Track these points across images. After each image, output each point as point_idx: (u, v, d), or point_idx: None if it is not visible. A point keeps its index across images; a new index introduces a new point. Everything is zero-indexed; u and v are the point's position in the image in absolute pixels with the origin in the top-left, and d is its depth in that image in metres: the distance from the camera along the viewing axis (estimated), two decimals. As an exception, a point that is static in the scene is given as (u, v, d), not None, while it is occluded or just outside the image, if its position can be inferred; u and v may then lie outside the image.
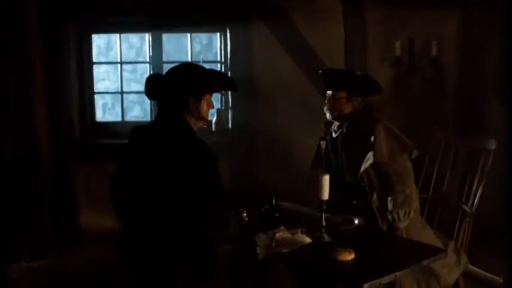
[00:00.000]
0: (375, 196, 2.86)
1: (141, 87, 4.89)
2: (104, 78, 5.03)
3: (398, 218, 2.77)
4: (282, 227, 2.59)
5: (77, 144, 4.60)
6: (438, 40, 4.29)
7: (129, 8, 4.45)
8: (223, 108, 4.67)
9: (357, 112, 2.99)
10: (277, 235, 2.50)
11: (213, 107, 2.50)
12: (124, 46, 4.84)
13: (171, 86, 2.37)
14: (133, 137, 2.43)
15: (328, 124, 3.13)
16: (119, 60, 4.78)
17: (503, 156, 3.48)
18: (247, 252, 2.46)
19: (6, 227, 4.07)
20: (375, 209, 2.85)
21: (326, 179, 2.48)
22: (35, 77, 4.35)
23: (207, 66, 4.56)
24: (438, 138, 3.51)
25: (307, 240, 2.49)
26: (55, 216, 4.46)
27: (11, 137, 4.30)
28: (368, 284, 2.10)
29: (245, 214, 2.68)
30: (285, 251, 2.40)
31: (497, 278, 3.29)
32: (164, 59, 4.74)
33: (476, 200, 3.09)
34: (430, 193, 3.42)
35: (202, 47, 4.90)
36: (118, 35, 4.74)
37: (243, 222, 2.66)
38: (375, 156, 2.79)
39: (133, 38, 4.98)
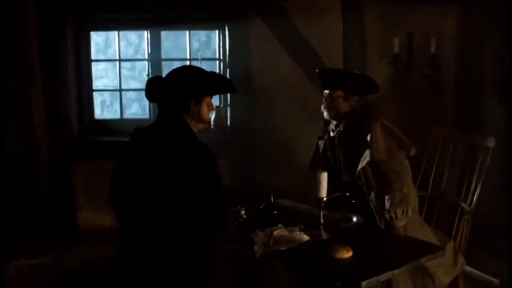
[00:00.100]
0: (372, 195, 2.86)
1: (140, 85, 4.96)
2: (102, 76, 5.01)
3: (396, 216, 2.76)
4: (280, 225, 2.59)
5: (75, 141, 4.59)
6: (437, 36, 4.28)
7: (127, 5, 4.45)
8: (222, 106, 4.66)
9: (355, 111, 2.98)
10: (275, 233, 2.50)
11: (213, 109, 2.50)
12: (122, 43, 4.82)
13: (172, 89, 2.37)
14: (134, 139, 2.43)
15: (326, 123, 3.12)
16: (117, 58, 4.77)
17: (502, 154, 3.48)
18: (246, 251, 2.45)
19: (5, 225, 4.07)
20: (373, 208, 2.84)
21: (324, 176, 2.47)
22: (33, 75, 4.34)
23: (205, 63, 4.69)
24: (437, 135, 3.51)
25: (305, 238, 2.49)
26: (54, 214, 4.47)
27: (11, 136, 4.29)
28: (366, 281, 2.09)
29: (243, 212, 2.68)
30: (283, 248, 2.40)
31: (494, 280, 3.28)
32: (163, 56, 4.73)
33: (474, 198, 3.09)
34: (428, 191, 3.42)
35: (201, 44, 4.88)
36: (116, 33, 4.72)
37: (241, 220, 2.66)
38: (371, 154, 2.78)
39: (132, 35, 4.96)
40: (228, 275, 2.43)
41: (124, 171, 2.39)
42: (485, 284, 3.29)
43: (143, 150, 2.36)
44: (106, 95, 5.14)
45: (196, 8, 4.44)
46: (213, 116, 4.54)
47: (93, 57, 4.75)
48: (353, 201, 2.88)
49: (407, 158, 2.89)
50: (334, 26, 4.40)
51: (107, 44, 4.94)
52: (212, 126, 4.49)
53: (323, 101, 3.02)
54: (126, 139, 2.47)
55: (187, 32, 4.71)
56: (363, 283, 2.08)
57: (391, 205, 2.77)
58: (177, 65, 4.70)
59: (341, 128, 3.00)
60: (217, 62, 4.72)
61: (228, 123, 4.65)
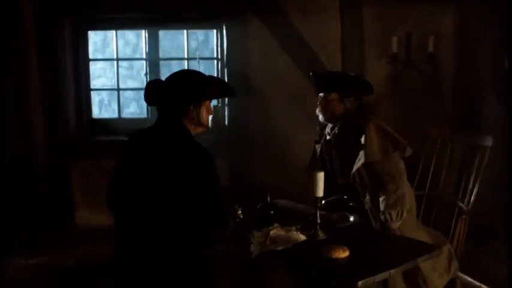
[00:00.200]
0: (367, 197, 2.84)
1: (138, 84, 4.95)
2: (100, 75, 5.01)
3: (391, 218, 2.75)
4: (277, 225, 2.59)
5: (73, 141, 4.59)
6: (435, 36, 4.27)
7: (125, 5, 4.45)
8: (219, 105, 4.65)
9: (350, 112, 2.97)
10: (272, 232, 2.50)
11: (212, 113, 2.51)
12: (120, 43, 4.82)
13: (171, 93, 2.37)
14: (132, 142, 2.43)
15: (323, 127, 3.12)
16: (115, 57, 4.77)
17: (500, 153, 3.47)
18: (242, 251, 2.45)
19: (5, 224, 4.06)
20: (368, 210, 2.83)
21: (320, 176, 2.47)
22: (31, 74, 4.34)
23: (203, 62, 4.68)
24: (434, 134, 3.50)
25: (302, 237, 2.48)
26: (52, 213, 4.46)
27: (10, 136, 4.30)
28: (362, 281, 2.09)
29: (240, 212, 2.67)
30: (279, 248, 2.39)
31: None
32: (160, 55, 4.73)
33: (472, 197, 3.08)
34: (426, 190, 3.41)
35: (199, 44, 4.87)
36: (114, 32, 4.73)
37: (237, 220, 2.65)
38: (366, 155, 2.77)
39: (130, 34, 4.95)
40: (227, 276, 2.43)
41: (122, 174, 2.39)
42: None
43: (142, 153, 2.36)
44: (104, 94, 5.13)
45: (194, 7, 4.44)
46: (210, 117, 4.53)
47: (91, 56, 4.75)
48: (351, 203, 2.87)
49: (403, 158, 2.88)
50: (332, 25, 4.40)
51: (105, 43, 4.94)
52: (210, 126, 4.48)
53: (318, 104, 3.01)
54: (124, 138, 2.48)
55: (185, 31, 4.71)
56: (359, 283, 2.08)
57: (385, 206, 2.76)
58: (175, 64, 4.81)
59: (336, 130, 2.99)
60: (215, 61, 4.72)
61: (226, 122, 4.65)
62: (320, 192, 2.48)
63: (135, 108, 5.07)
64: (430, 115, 4.27)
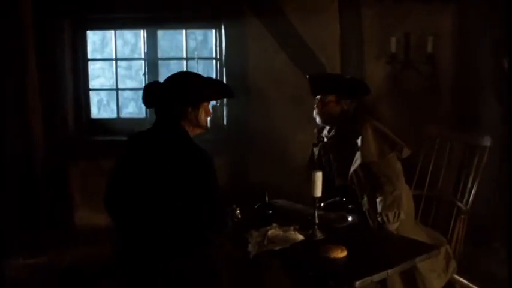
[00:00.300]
0: (365, 198, 2.84)
1: (136, 84, 4.95)
2: (98, 75, 5.00)
3: (388, 219, 2.74)
4: (275, 224, 2.59)
5: (72, 141, 4.58)
6: (434, 35, 4.27)
7: (124, 5, 4.45)
8: (218, 104, 4.65)
9: (348, 114, 2.97)
10: (270, 232, 2.50)
11: (210, 115, 2.52)
12: (119, 42, 4.82)
13: (170, 95, 2.37)
14: (131, 143, 2.44)
15: (320, 130, 3.11)
16: (113, 57, 4.77)
17: (499, 153, 3.47)
18: (241, 252, 2.45)
19: (4, 224, 4.06)
20: (366, 212, 2.83)
21: (318, 175, 2.46)
22: (30, 74, 4.34)
23: (202, 62, 4.68)
24: (433, 134, 3.49)
25: (300, 237, 2.48)
26: (51, 213, 4.46)
27: (10, 136, 4.30)
28: (360, 281, 2.09)
29: (238, 211, 2.68)
30: (277, 248, 2.39)
31: None
32: (159, 55, 4.73)
33: (471, 197, 3.08)
34: (425, 190, 3.40)
35: (198, 44, 4.87)
36: (113, 32, 4.72)
37: (236, 219, 2.65)
38: (362, 156, 2.77)
39: (128, 34, 4.95)
40: (225, 275, 2.43)
41: (121, 175, 2.39)
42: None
43: (140, 155, 2.36)
44: (103, 94, 5.12)
45: (192, 7, 4.44)
46: (208, 118, 4.54)
47: (89, 56, 4.74)
48: (349, 206, 2.87)
49: (400, 159, 2.88)
50: (331, 24, 4.39)
51: (104, 43, 4.93)
52: (209, 126, 4.48)
53: (315, 106, 3.01)
54: (123, 138, 2.49)
55: (183, 31, 4.70)
56: (357, 283, 2.07)
57: (382, 208, 2.75)
58: (173, 64, 4.81)
59: (333, 132, 2.99)
60: (214, 61, 4.71)
61: (225, 122, 4.65)
62: (318, 192, 2.48)
63: (134, 108, 5.06)
64: (429, 115, 4.26)
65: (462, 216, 3.04)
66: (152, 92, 2.41)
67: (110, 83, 4.91)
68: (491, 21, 4.02)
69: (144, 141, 2.41)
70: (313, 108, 3.02)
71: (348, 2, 4.40)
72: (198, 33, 4.87)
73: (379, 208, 2.76)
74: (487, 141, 3.10)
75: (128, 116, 4.96)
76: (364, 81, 3.26)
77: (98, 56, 4.93)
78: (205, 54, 4.80)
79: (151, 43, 4.69)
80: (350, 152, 2.83)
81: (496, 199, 3.78)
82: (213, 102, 4.61)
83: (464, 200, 3.12)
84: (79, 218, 4.55)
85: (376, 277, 2.17)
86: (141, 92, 2.48)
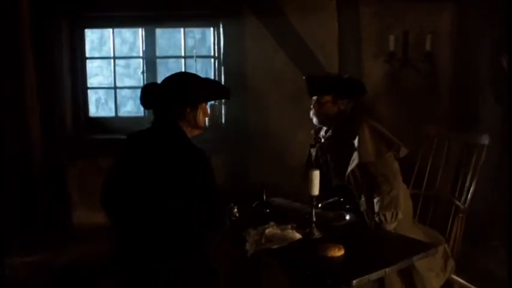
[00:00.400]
0: (362, 198, 2.83)
1: (135, 83, 4.95)
2: (97, 73, 5.01)
3: (385, 219, 2.73)
4: (272, 223, 2.58)
5: (70, 139, 4.58)
6: (432, 34, 4.26)
7: (122, 3, 4.44)
8: (216, 103, 4.64)
9: (344, 114, 2.96)
10: (267, 231, 2.49)
11: (208, 116, 2.52)
12: (117, 41, 4.82)
13: (168, 96, 2.38)
14: (128, 144, 2.44)
15: (317, 131, 3.11)
16: (112, 55, 4.76)
17: (497, 152, 3.47)
18: (238, 251, 2.45)
19: (3, 223, 4.06)
20: (363, 212, 2.82)
21: (316, 174, 2.46)
22: (27, 73, 4.33)
23: (200, 60, 4.67)
24: (431, 133, 3.49)
25: (297, 236, 2.47)
26: (49, 212, 4.46)
27: (9, 136, 4.29)
28: (357, 280, 2.08)
29: (236, 210, 2.68)
30: (275, 247, 2.39)
31: None
32: (157, 53, 4.72)
33: (469, 196, 3.08)
34: (423, 189, 3.40)
35: (196, 42, 4.88)
36: (111, 30, 4.71)
37: (233, 218, 2.65)
38: (360, 156, 2.76)
39: (127, 32, 4.96)
40: (223, 274, 2.42)
41: (119, 175, 2.39)
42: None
43: (138, 155, 2.36)
44: (101, 92, 5.14)
45: (191, 5, 4.43)
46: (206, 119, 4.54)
47: (87, 54, 4.74)
48: (347, 206, 2.87)
49: (398, 159, 2.87)
50: (329, 23, 4.39)
51: (102, 42, 4.94)
52: (207, 124, 4.48)
53: (312, 107, 3.00)
54: (121, 137, 2.49)
55: (182, 30, 4.69)
56: (354, 281, 2.07)
57: (379, 208, 2.74)
58: (172, 62, 4.81)
59: (330, 132, 2.98)
60: (212, 59, 4.71)
61: (223, 120, 4.64)
62: (316, 191, 2.48)
63: (132, 106, 5.07)
64: (427, 114, 4.26)
65: (460, 215, 3.04)
66: (150, 93, 2.41)
67: (108, 81, 4.92)
68: (490, 20, 4.01)
69: (143, 141, 2.41)
70: (310, 109, 3.02)
71: (346, 0, 4.39)
72: (196, 32, 4.88)
73: (376, 208, 2.75)
74: (485, 140, 3.10)
75: (126, 114, 4.97)
76: (362, 80, 3.25)
77: (96, 55, 4.94)
78: (204, 53, 4.80)
79: (150, 41, 4.68)
80: (347, 152, 2.82)
81: (494, 197, 3.78)
82: (211, 102, 4.61)
83: (462, 198, 3.12)
84: (77, 217, 4.55)
85: (374, 276, 2.17)
86: (139, 91, 2.48)
